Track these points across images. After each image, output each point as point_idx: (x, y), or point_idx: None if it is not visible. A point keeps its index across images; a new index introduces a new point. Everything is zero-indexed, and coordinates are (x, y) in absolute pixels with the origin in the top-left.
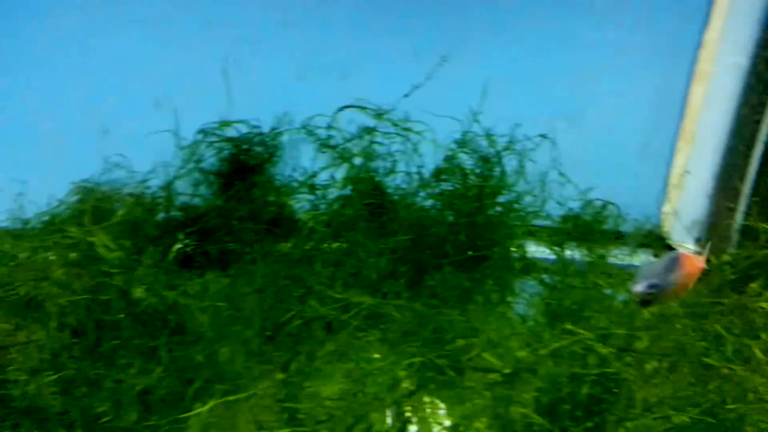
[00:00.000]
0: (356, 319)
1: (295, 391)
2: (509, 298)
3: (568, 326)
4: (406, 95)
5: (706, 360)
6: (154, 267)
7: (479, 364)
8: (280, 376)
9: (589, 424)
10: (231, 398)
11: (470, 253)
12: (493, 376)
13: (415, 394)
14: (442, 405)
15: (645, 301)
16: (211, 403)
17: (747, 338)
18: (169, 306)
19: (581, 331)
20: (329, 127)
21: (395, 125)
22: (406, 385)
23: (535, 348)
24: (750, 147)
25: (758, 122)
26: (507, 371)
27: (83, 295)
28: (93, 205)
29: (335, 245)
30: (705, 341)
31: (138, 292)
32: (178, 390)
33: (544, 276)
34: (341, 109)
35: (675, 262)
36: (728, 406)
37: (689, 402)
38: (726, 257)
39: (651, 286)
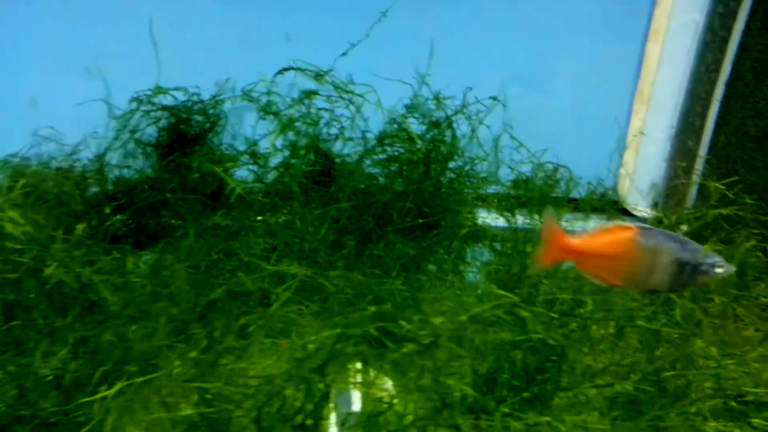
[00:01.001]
0: (290, 291)
1: (209, 370)
2: (460, 267)
3: (504, 293)
4: (344, 54)
5: (653, 326)
6: (77, 244)
7: (417, 333)
8: (192, 354)
9: (526, 395)
10: (138, 380)
11: (420, 221)
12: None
13: (352, 366)
14: (385, 377)
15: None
16: (117, 386)
17: (700, 301)
18: (84, 284)
19: (508, 294)
20: (269, 92)
21: (336, 88)
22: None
23: (473, 315)
24: (706, 107)
25: (714, 81)
26: (442, 340)
27: None
28: (16, 179)
29: (275, 216)
30: (654, 305)
31: (50, 270)
32: (89, 373)
33: (496, 243)
34: (279, 72)
35: None
36: (672, 372)
37: (634, 369)
38: (675, 218)
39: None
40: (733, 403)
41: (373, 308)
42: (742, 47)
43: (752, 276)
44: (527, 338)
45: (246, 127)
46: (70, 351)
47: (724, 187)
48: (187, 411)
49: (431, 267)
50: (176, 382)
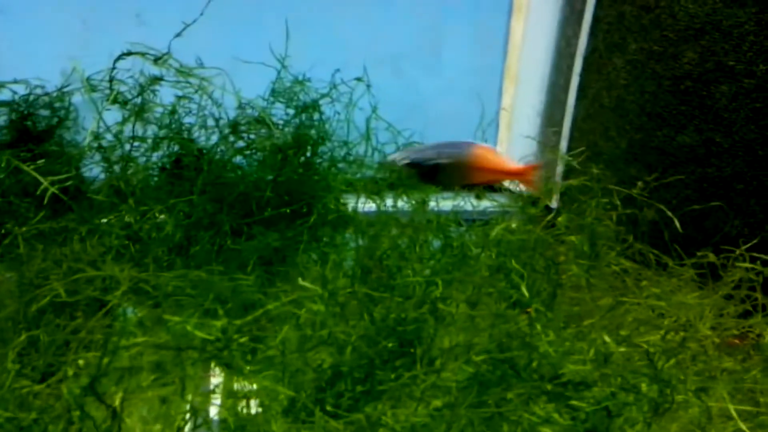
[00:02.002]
0: (116, 298)
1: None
2: (332, 256)
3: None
4: (178, 35)
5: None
6: None
7: (269, 332)
8: None
9: (360, 387)
10: None
11: (285, 210)
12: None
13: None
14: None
15: (423, 174)
16: None
17: (551, 273)
18: None
19: (311, 285)
20: (111, 80)
21: (180, 72)
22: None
23: (328, 305)
24: (568, 80)
25: (573, 54)
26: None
27: None
28: None
29: (119, 214)
30: (506, 281)
31: None
32: None
33: (364, 229)
34: (120, 57)
35: (462, 147)
36: (518, 352)
37: (482, 349)
38: (532, 194)
39: (409, 159)
40: (548, 386)
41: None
42: (595, 19)
43: (605, 246)
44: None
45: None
46: None
47: (573, 160)
48: None
49: (301, 258)
50: None
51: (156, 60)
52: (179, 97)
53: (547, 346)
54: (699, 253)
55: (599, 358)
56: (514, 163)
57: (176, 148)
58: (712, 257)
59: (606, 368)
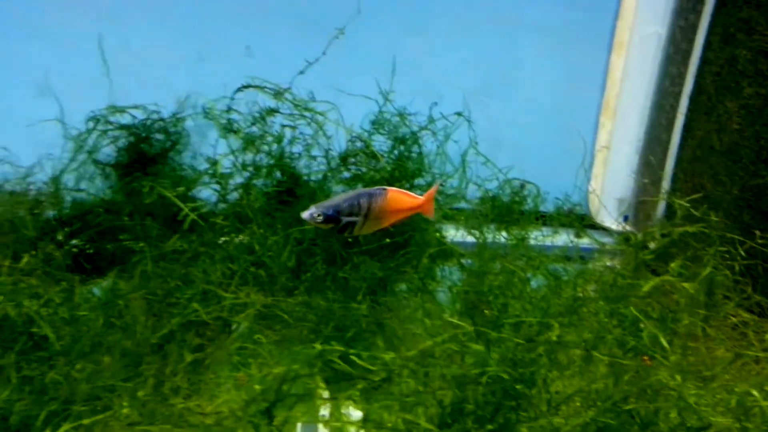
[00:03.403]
0: (248, 320)
1: (158, 408)
2: (430, 287)
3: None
4: (301, 72)
5: (621, 349)
6: (29, 272)
7: (383, 360)
8: (140, 393)
9: (490, 426)
10: (86, 421)
11: (387, 240)
12: (397, 370)
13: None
14: (354, 406)
15: (340, 228)
16: (63, 428)
17: (667, 322)
18: (30, 318)
19: (463, 324)
20: (229, 109)
21: (296, 106)
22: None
23: (442, 341)
24: (671, 120)
25: (678, 94)
26: (400, 373)
27: None
28: None
29: (234, 239)
30: (621, 327)
31: None
32: (36, 413)
33: (464, 261)
34: (239, 90)
35: (372, 195)
36: (641, 402)
37: (602, 396)
38: (641, 237)
39: (320, 215)
40: None
41: (318, 345)
42: (703, 61)
43: (721, 295)
44: (492, 368)
45: (209, 146)
46: (16, 390)
47: (688, 204)
48: None
49: (401, 287)
50: (123, 423)
51: (275, 94)
52: (287, 126)
53: (686, 397)
54: None
55: (739, 410)
56: (419, 196)
57: (279, 175)
58: None
59: (748, 422)
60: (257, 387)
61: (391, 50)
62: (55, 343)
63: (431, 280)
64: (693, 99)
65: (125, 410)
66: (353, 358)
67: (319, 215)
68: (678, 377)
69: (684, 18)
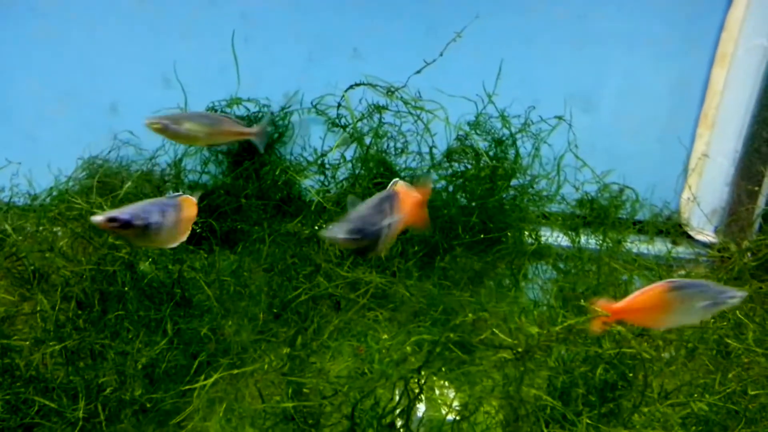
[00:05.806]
0: (364, 297)
1: (301, 365)
2: (522, 283)
3: (583, 303)
4: (418, 72)
5: (725, 346)
6: None
7: (490, 343)
8: (285, 350)
9: (603, 410)
10: (236, 371)
11: (482, 236)
12: (503, 354)
13: (423, 372)
14: (450, 386)
15: (359, 250)
16: (215, 376)
17: None
18: (174, 280)
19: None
20: (339, 105)
21: (406, 104)
22: (413, 363)
23: (547, 328)
24: None
25: None
26: (519, 349)
27: (88, 267)
28: (100, 180)
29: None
30: (724, 329)
31: (143, 265)
32: (183, 363)
33: (558, 262)
34: (351, 87)
35: (390, 202)
36: (749, 394)
37: (707, 390)
38: (746, 244)
39: (355, 232)
40: None
41: (471, 319)
42: None
43: None
44: (602, 354)
45: (314, 138)
46: (167, 342)
47: None
48: (286, 404)
49: (490, 281)
50: (269, 375)
51: (388, 92)
52: (390, 124)
53: None
54: None
55: None
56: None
57: (384, 170)
58: None
59: None
60: (394, 355)
61: (499, 56)
62: (212, 299)
63: (523, 277)
64: None
65: (273, 363)
66: (495, 331)
67: (342, 233)
68: None
69: None
